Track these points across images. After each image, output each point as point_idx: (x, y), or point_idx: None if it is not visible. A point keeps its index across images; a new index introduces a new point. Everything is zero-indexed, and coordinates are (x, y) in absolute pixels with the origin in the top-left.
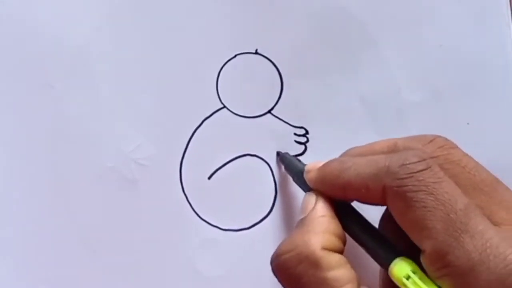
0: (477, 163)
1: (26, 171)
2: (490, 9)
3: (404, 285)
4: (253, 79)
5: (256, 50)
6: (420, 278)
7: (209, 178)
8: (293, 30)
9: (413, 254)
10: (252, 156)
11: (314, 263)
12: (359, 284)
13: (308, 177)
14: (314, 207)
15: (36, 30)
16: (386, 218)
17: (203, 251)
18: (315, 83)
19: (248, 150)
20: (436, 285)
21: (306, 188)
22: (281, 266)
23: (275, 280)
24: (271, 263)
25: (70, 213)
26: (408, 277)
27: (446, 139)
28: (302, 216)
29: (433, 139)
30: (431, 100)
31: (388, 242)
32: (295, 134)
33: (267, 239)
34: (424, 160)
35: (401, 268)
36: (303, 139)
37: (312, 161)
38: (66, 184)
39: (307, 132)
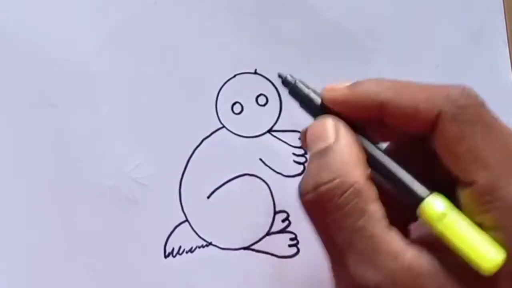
0: None
1: (26, 189)
2: (487, 29)
3: (439, 221)
4: (252, 99)
5: (255, 70)
6: (460, 216)
7: (208, 197)
8: (292, 50)
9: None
10: (251, 175)
11: (358, 193)
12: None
13: (333, 95)
14: (338, 135)
15: (38, 50)
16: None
17: (202, 270)
18: None
19: (247, 170)
20: (476, 222)
21: (315, 113)
22: (321, 196)
23: None
24: (304, 195)
25: (70, 232)
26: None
27: None
28: (323, 145)
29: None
30: None
31: (418, 178)
32: (294, 154)
33: (266, 258)
34: (481, 99)
35: (434, 205)
36: (302, 159)
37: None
38: (66, 203)
39: (306, 152)
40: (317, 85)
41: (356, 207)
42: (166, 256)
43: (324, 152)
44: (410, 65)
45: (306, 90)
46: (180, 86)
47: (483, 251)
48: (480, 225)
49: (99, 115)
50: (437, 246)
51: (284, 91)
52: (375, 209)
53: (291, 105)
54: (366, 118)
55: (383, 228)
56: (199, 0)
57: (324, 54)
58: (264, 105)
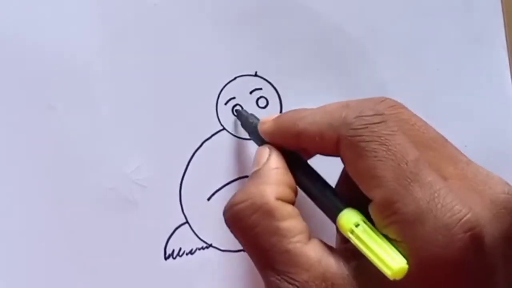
0: (426, 122)
1: (25, 191)
2: (487, 33)
3: (352, 232)
4: (253, 101)
5: (256, 72)
6: (369, 228)
7: (208, 199)
8: (292, 53)
9: (365, 209)
10: None
11: (267, 213)
12: (310, 235)
13: (263, 128)
14: (267, 160)
15: (38, 50)
16: (343, 177)
17: (202, 272)
18: (314, 105)
19: (247, 172)
20: (383, 234)
21: (260, 142)
22: (234, 216)
23: None
24: (224, 214)
25: (69, 234)
26: (357, 226)
27: (396, 100)
28: (255, 169)
29: (384, 99)
30: (429, 123)
31: (337, 194)
32: None
33: None
34: (380, 114)
35: (348, 218)
36: None
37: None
38: (66, 205)
39: None
40: (318, 86)
41: (268, 226)
42: (166, 258)
43: (253, 175)
44: (411, 68)
45: (255, 122)
46: (180, 88)
47: (387, 258)
48: (387, 238)
49: (99, 117)
50: (359, 254)
51: (284, 93)
52: (290, 226)
53: (291, 107)
54: (291, 146)
55: (299, 242)
56: (199, 2)
57: (324, 57)
58: (265, 107)
